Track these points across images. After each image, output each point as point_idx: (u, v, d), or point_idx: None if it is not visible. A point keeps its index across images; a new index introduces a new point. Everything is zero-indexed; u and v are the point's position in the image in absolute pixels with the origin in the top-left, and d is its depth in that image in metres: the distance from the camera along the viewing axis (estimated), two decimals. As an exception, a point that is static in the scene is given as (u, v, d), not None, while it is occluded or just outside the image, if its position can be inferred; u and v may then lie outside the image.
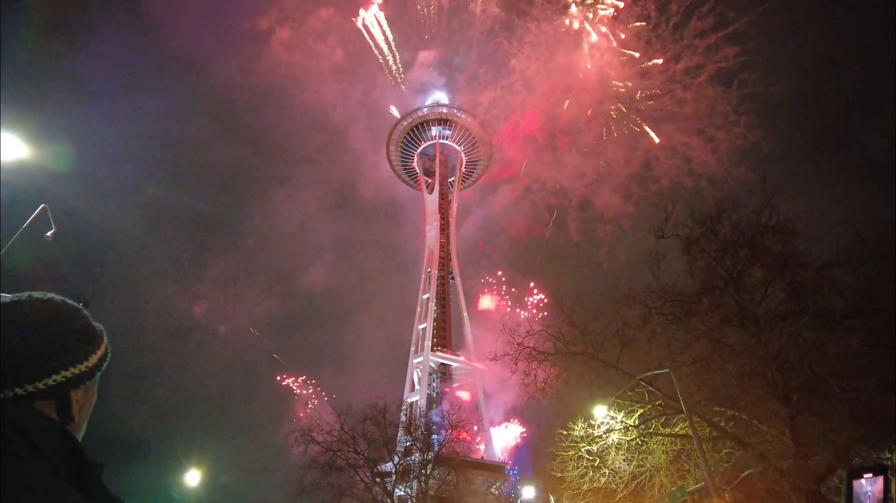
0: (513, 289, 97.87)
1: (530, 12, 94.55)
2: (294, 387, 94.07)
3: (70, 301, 1.85)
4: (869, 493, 3.07)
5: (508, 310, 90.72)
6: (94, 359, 1.83)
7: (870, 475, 3.08)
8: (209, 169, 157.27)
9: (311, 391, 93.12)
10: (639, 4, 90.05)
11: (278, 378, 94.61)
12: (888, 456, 18.61)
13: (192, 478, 37.29)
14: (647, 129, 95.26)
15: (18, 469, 1.36)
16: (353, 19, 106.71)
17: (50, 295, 1.81)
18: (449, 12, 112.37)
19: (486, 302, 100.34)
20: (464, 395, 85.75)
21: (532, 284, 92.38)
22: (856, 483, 3.09)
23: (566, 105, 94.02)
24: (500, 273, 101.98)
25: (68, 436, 1.66)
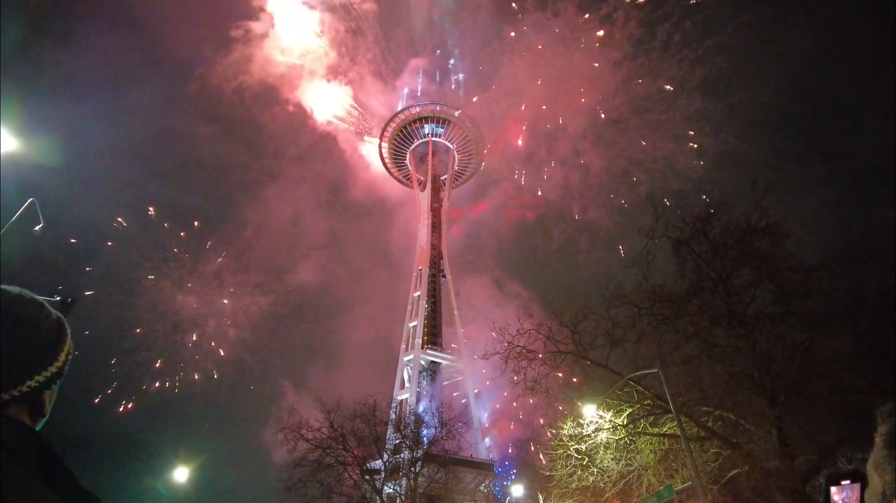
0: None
1: (522, 24, 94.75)
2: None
3: (29, 295, 1.75)
4: (846, 499, 3.10)
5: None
6: (62, 357, 1.79)
7: (847, 481, 3.10)
8: (200, 164, 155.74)
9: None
10: (632, 14, 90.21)
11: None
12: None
13: (181, 474, 37.17)
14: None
15: (1, 478, 1.35)
16: (348, 22, 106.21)
17: (11, 290, 1.72)
18: (441, 20, 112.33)
19: (476, 301, 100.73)
20: (453, 393, 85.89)
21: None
22: (833, 489, 3.12)
23: (559, 118, 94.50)
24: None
25: (40, 438, 1.64)
